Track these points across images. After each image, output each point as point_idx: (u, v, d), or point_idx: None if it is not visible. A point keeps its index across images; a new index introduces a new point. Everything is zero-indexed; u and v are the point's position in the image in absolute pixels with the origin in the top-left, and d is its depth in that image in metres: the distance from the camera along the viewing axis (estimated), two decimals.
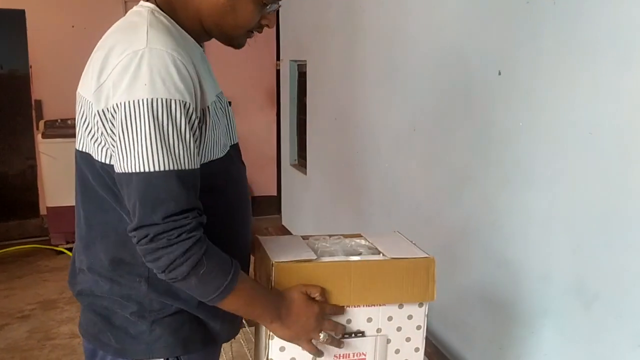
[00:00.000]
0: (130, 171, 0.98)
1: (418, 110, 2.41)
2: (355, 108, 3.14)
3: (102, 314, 1.16)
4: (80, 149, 1.13)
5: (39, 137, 4.47)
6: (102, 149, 1.07)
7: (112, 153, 1.04)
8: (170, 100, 0.98)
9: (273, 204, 5.47)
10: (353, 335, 1.20)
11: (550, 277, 1.64)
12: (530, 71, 1.70)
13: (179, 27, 1.12)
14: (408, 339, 1.24)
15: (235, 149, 1.26)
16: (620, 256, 1.39)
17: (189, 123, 1.01)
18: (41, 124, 4.55)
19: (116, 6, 4.90)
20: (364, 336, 1.20)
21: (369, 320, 1.21)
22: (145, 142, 0.97)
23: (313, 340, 1.16)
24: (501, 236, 1.85)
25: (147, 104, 0.96)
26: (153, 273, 1.10)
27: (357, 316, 1.20)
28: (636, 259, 1.35)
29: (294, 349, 1.17)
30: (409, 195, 2.47)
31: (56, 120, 4.48)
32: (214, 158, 1.12)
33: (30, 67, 4.72)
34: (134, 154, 0.97)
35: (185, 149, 1.00)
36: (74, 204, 1.22)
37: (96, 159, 1.08)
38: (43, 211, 4.82)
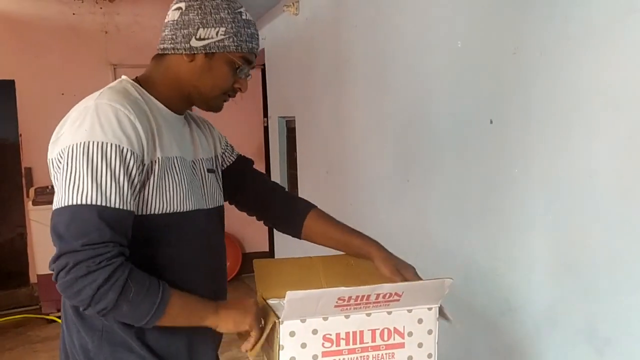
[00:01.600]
0: (59, 206, 1.05)
1: (411, 161, 2.43)
2: (346, 161, 3.16)
3: None
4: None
5: (29, 204, 4.46)
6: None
7: None
8: (105, 143, 1.07)
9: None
10: None
11: (558, 322, 1.63)
12: (522, 118, 1.73)
13: (150, 97, 1.24)
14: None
15: (207, 214, 1.31)
16: (629, 298, 1.39)
17: (123, 166, 1.09)
18: (31, 191, 4.54)
19: (105, 73, 4.98)
20: None
21: None
22: (77, 179, 1.05)
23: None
24: (504, 283, 1.85)
25: (84, 146, 1.07)
26: (107, 327, 1.16)
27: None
28: None
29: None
30: (406, 246, 2.45)
31: (47, 187, 4.47)
32: (156, 212, 1.18)
33: (20, 135, 4.75)
34: (66, 190, 1.05)
35: (117, 189, 1.07)
36: None
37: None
38: (33, 279, 4.75)
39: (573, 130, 1.54)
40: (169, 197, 1.19)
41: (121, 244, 1.06)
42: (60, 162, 1.10)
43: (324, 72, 3.41)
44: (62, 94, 4.83)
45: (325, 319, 1.14)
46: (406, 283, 1.17)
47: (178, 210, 1.21)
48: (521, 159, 1.75)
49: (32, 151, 4.77)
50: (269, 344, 1.20)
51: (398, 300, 1.15)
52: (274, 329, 1.15)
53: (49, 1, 4.93)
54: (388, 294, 1.13)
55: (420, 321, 1.21)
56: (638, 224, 1.35)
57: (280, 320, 1.11)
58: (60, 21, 4.95)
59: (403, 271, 1.33)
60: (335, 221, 1.52)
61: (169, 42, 1.24)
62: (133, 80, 1.26)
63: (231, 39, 1.22)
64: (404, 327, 1.19)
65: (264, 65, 4.77)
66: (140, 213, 1.15)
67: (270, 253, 5.35)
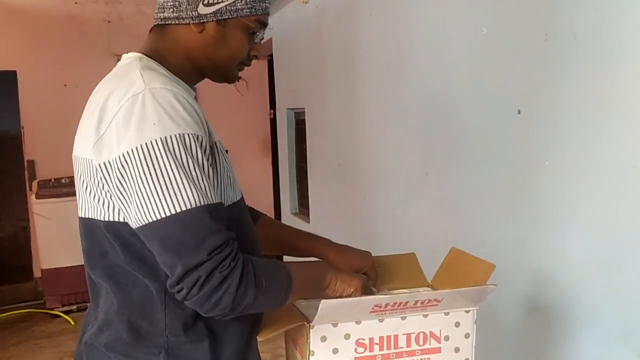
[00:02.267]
0: (157, 218, 0.91)
1: (430, 153, 2.35)
2: (360, 153, 3.08)
3: None
4: (84, 216, 1.05)
5: (32, 197, 4.37)
6: (107, 207, 0.99)
7: (123, 208, 0.96)
8: (184, 135, 0.93)
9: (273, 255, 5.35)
10: None
11: (594, 323, 1.54)
12: (553, 108, 1.65)
13: (169, 72, 1.07)
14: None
15: (243, 203, 1.19)
16: None
17: (205, 155, 0.97)
18: (34, 184, 4.46)
19: (108, 64, 4.81)
20: None
21: None
22: (169, 183, 0.91)
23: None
24: (534, 281, 1.77)
25: (162, 143, 0.92)
26: (173, 343, 1.01)
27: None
28: None
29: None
30: (425, 242, 2.38)
31: (50, 180, 4.40)
32: (229, 202, 1.06)
33: (22, 127, 4.67)
34: (159, 198, 0.91)
35: (209, 181, 0.95)
36: (69, 265, 1.16)
37: (101, 219, 1.00)
38: (37, 274, 4.68)
39: (609, 119, 1.46)
40: (228, 187, 1.07)
41: (233, 238, 0.96)
42: (125, 168, 0.93)
43: (336, 62, 3.32)
44: (65, 85, 4.76)
45: (358, 322, 1.06)
46: (446, 291, 1.08)
47: (235, 201, 1.10)
48: (552, 151, 1.66)
49: (34, 143, 4.69)
50: (296, 346, 1.13)
51: (436, 305, 1.07)
52: (301, 331, 1.08)
53: None
54: (427, 300, 1.05)
55: (457, 324, 1.13)
56: None
57: (311, 324, 1.03)
58: (62, 11, 4.86)
59: (358, 261, 1.32)
60: (284, 225, 1.45)
61: (171, 10, 1.07)
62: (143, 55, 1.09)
63: (244, 1, 1.07)
64: (440, 330, 1.12)
65: (270, 56, 4.68)
66: None
67: None
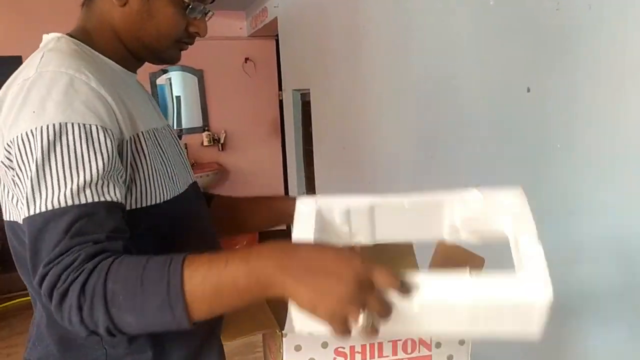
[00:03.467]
0: (25, 216, 0.80)
1: (435, 136, 2.22)
2: (364, 136, 2.97)
3: None
4: (7, 219, 0.93)
5: None
6: (15, 205, 0.88)
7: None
8: (67, 124, 0.80)
9: (282, 238, 5.27)
10: None
11: (609, 319, 1.42)
12: (565, 86, 1.50)
13: (95, 53, 0.96)
14: (450, 358, 1.03)
15: (194, 191, 1.08)
16: None
17: (107, 147, 0.83)
18: None
19: None
20: None
21: None
22: (32, 178, 0.79)
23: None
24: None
25: (38, 133, 0.79)
26: (112, 356, 0.92)
27: None
28: None
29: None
30: None
31: None
32: (165, 198, 0.94)
33: None
34: (26, 194, 0.79)
35: (84, 179, 0.81)
36: None
37: (13, 220, 0.90)
38: None
39: (627, 97, 1.32)
40: (164, 180, 0.95)
41: (93, 241, 0.77)
42: (12, 160, 0.83)
43: (340, 41, 3.20)
44: None
45: None
46: None
47: (177, 194, 0.98)
48: (564, 132, 1.52)
49: None
50: (270, 353, 1.02)
51: None
52: (274, 338, 0.97)
53: None
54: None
55: (450, 358, 1.01)
56: None
57: (283, 332, 0.92)
58: None
59: None
60: (239, 200, 1.27)
61: None
62: (68, 36, 0.97)
63: None
64: (430, 337, 1.00)
65: (277, 35, 4.55)
66: (134, 207, 0.91)
67: (287, 231, 5.20)
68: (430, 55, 2.22)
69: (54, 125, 0.79)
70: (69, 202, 0.78)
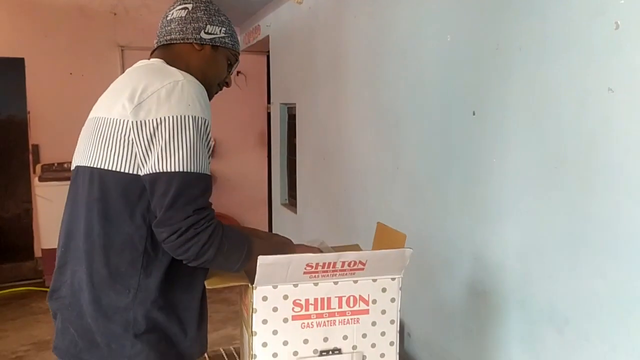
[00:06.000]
0: (169, 170, 1.17)
1: (401, 150, 2.52)
2: (342, 148, 3.25)
3: (85, 332, 1.26)
4: (92, 165, 1.26)
5: (35, 180, 4.57)
6: (121, 159, 1.22)
7: (143, 158, 1.20)
8: (205, 119, 1.24)
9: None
10: (330, 352, 1.29)
11: (525, 304, 1.72)
12: (501, 110, 1.82)
13: None
14: (382, 355, 1.33)
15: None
16: (587, 281, 1.49)
17: (208, 138, 1.26)
18: (38, 167, 4.65)
19: (113, 54, 5.06)
20: (341, 353, 1.30)
21: (345, 337, 1.30)
22: (187, 149, 1.19)
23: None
24: (481, 267, 1.94)
25: (191, 119, 1.21)
26: (143, 286, 1.23)
27: (334, 334, 1.29)
28: (601, 283, 1.44)
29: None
30: None
31: (53, 164, 4.59)
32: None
33: (28, 112, 4.84)
34: (178, 156, 1.18)
35: (207, 158, 1.25)
36: None
37: (111, 169, 1.22)
38: (38, 253, 4.88)
39: (544, 123, 1.63)
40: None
41: (211, 204, 1.23)
42: (158, 127, 1.19)
43: (325, 61, 3.49)
44: (70, 74, 4.93)
45: (295, 285, 1.24)
46: (369, 252, 1.28)
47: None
48: (499, 149, 1.84)
49: (39, 128, 4.87)
50: (243, 305, 1.31)
51: (363, 269, 1.25)
52: (247, 292, 1.26)
53: None
54: (353, 262, 1.23)
55: (384, 290, 1.32)
56: (597, 213, 1.45)
57: (253, 285, 1.22)
58: (70, 2, 5.01)
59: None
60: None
61: (178, 33, 1.41)
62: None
63: (229, 38, 1.46)
64: (368, 295, 1.30)
65: (268, 52, 4.84)
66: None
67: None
68: (399, 80, 2.53)
69: (199, 117, 1.23)
70: (207, 172, 1.22)
